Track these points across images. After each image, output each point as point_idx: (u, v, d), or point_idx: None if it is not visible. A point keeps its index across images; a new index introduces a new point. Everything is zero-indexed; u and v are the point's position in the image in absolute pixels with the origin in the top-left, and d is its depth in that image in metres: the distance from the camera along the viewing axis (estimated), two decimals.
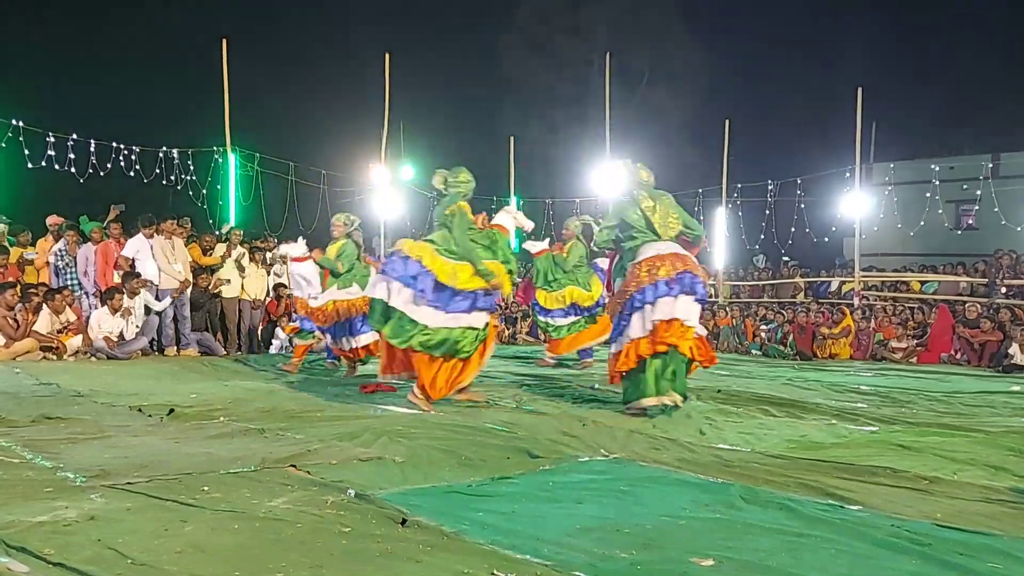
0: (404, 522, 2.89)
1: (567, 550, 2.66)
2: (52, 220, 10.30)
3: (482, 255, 5.78)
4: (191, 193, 13.97)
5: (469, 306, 5.67)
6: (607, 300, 6.79)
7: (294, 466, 3.77)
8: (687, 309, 5.48)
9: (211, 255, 10.83)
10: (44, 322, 8.76)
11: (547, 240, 9.93)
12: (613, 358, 5.76)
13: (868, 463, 4.19)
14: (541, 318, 9.50)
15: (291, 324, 9.41)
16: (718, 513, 3.18)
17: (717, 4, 30.33)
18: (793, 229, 18.00)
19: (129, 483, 3.34)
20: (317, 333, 8.24)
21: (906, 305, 13.88)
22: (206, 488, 3.29)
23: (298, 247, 8.16)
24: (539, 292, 9.34)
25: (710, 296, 17.31)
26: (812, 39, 30.79)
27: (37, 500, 3.06)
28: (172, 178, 13.69)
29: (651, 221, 5.74)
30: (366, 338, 7.66)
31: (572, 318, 9.22)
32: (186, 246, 10.45)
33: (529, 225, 6.99)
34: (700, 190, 19.20)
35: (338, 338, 7.87)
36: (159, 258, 9.93)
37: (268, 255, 11.61)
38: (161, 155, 13.48)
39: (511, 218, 6.44)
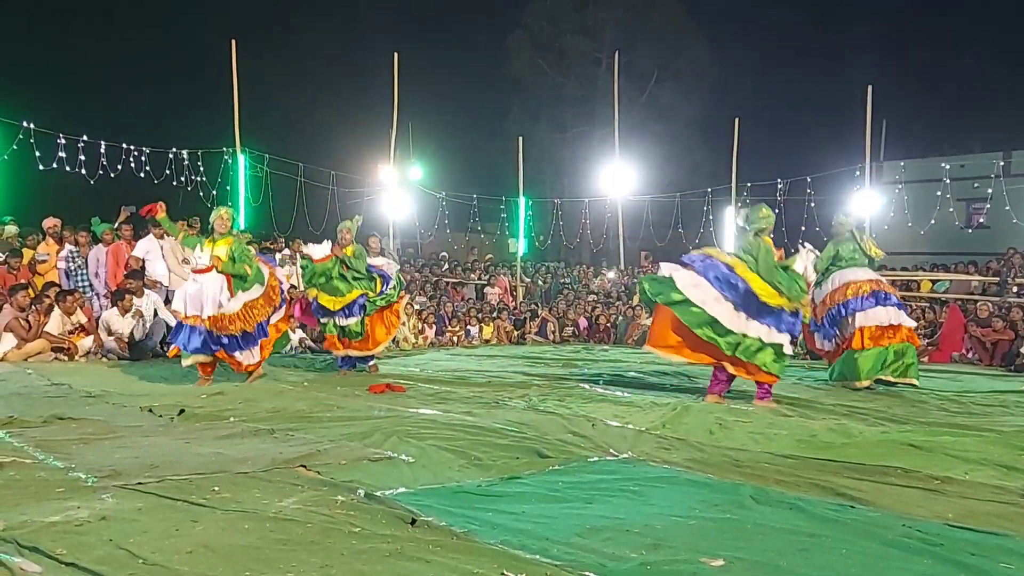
0: (414, 522, 2.89)
1: (577, 550, 2.66)
2: (50, 222, 10.30)
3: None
4: (201, 194, 14.04)
5: (775, 322, 6.36)
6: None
7: (304, 466, 3.78)
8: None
9: None
10: (55, 323, 8.81)
11: None
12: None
13: (879, 463, 4.18)
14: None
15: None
16: (728, 513, 3.17)
17: (725, 3, 30.29)
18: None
19: (140, 483, 3.35)
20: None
21: (917, 304, 13.81)
22: (217, 488, 3.30)
23: (321, 248, 8.19)
24: None
25: None
26: (822, 37, 30.76)
27: (49, 500, 3.08)
28: (182, 179, 13.77)
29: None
30: None
31: None
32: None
33: (812, 277, 7.38)
34: (709, 189, 19.18)
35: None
36: (169, 259, 9.98)
37: (277, 255, 11.64)
38: (171, 156, 13.55)
39: (802, 263, 6.87)
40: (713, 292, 6.31)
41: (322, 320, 8.29)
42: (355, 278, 8.08)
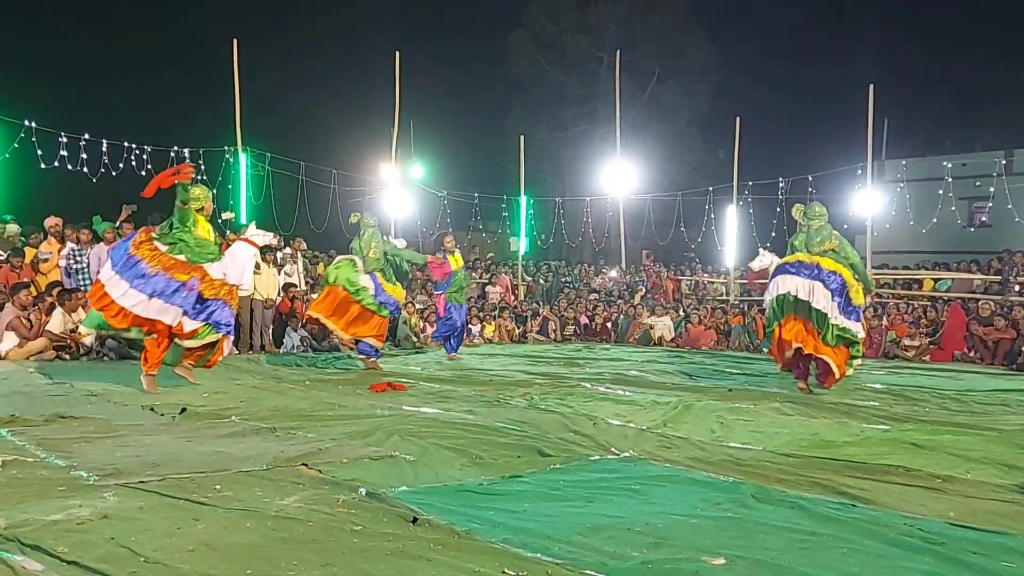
0: (415, 521, 2.89)
1: (578, 549, 2.66)
2: (51, 221, 10.32)
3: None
4: None
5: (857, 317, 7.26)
6: None
7: (306, 465, 3.78)
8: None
9: None
10: (57, 322, 8.82)
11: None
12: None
13: (881, 462, 4.18)
14: None
15: None
16: (730, 512, 3.17)
17: (727, 2, 30.27)
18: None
19: (142, 482, 3.36)
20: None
21: (919, 303, 13.80)
22: (218, 487, 3.31)
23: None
24: None
25: (721, 294, 17.33)
26: (823, 36, 30.72)
27: (51, 499, 3.08)
28: None
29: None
30: None
31: None
32: None
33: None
34: (711, 188, 19.15)
35: None
36: None
37: (279, 255, 11.65)
38: (172, 155, 13.53)
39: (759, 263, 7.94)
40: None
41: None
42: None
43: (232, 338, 7.09)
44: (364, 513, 2.99)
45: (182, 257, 6.38)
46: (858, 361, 7.58)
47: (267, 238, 7.45)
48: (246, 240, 6.99)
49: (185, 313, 6.34)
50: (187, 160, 13.49)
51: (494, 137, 27.02)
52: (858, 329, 7.26)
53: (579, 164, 26.15)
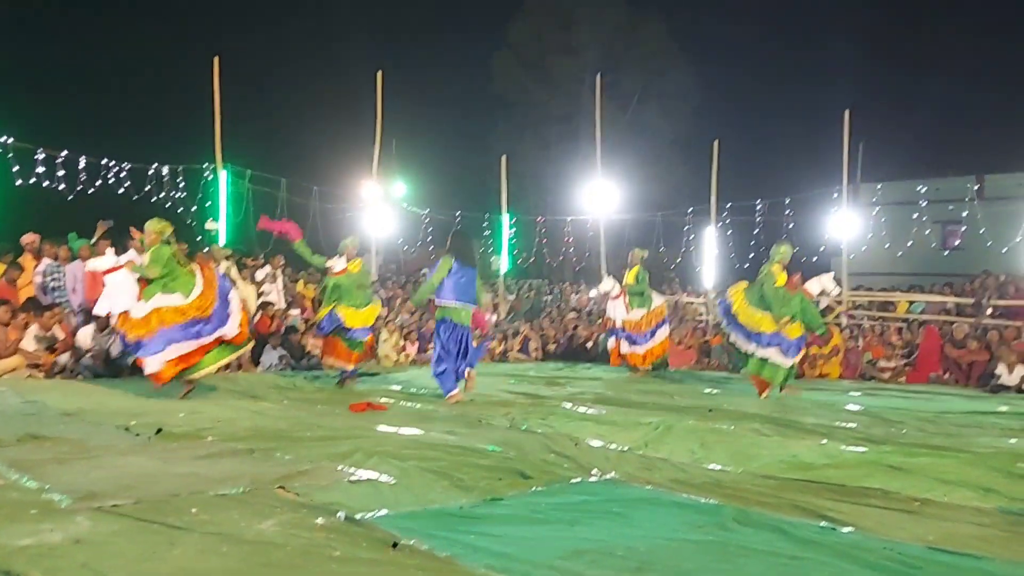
0: (395, 545, 2.86)
1: (560, 574, 2.65)
2: (28, 238, 10.19)
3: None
4: (180, 211, 13.94)
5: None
6: None
7: (283, 487, 3.73)
8: None
9: None
10: (31, 339, 8.68)
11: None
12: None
13: (859, 484, 4.20)
14: None
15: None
16: (711, 535, 3.17)
17: (707, 26, 30.72)
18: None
19: (116, 505, 3.30)
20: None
21: (894, 325, 13.95)
22: (194, 510, 3.25)
23: (341, 262, 8.72)
24: None
25: (700, 314, 17.43)
26: (801, 61, 31.23)
27: (22, 522, 3.02)
28: (162, 195, 13.66)
29: None
30: None
31: None
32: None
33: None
34: (690, 209, 19.33)
35: None
36: None
37: (257, 273, 11.57)
38: (151, 172, 13.45)
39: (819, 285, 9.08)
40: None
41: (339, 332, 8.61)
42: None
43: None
44: (343, 538, 2.95)
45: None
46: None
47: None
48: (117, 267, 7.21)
49: None
50: (165, 177, 13.41)
51: (477, 155, 27.13)
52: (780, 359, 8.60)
53: (561, 183, 26.29)
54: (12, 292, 9.53)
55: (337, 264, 8.71)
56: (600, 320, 15.93)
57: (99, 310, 7.28)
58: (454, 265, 7.60)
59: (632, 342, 10.97)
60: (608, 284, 9.11)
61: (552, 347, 14.74)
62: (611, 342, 11.12)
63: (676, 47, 28.28)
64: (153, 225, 7.31)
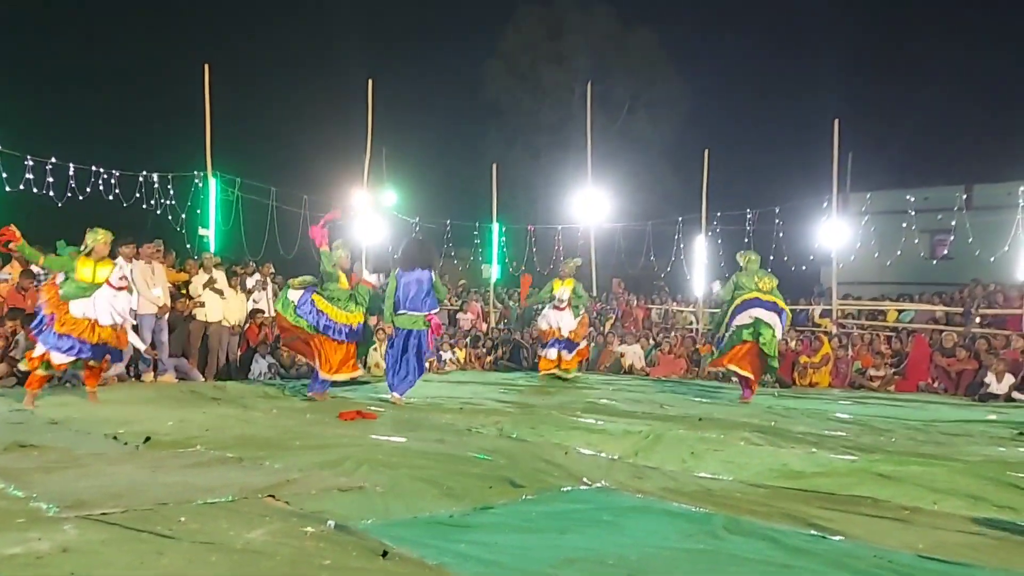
0: (385, 554, 2.85)
1: None
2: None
3: None
4: (170, 218, 13.88)
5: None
6: None
7: (272, 496, 3.71)
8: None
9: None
10: (20, 348, 8.61)
11: None
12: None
13: (849, 492, 4.21)
14: None
15: None
16: (702, 544, 3.17)
17: (697, 36, 30.95)
18: (772, 258, 18.16)
19: (104, 513, 3.27)
20: None
21: (883, 334, 14.02)
22: (183, 519, 3.23)
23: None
24: None
25: (690, 323, 17.48)
26: (790, 71, 31.44)
27: (9, 531, 2.99)
28: (152, 203, 13.60)
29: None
30: None
31: None
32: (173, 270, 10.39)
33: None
34: (680, 218, 19.36)
35: None
36: (139, 283, 9.77)
37: (247, 281, 11.52)
38: (141, 179, 13.39)
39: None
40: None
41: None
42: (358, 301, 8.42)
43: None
44: (332, 546, 2.94)
45: None
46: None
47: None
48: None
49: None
50: (155, 184, 13.36)
51: (467, 164, 27.18)
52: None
53: (551, 191, 26.35)
54: (22, 300, 9.47)
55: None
56: (597, 329, 15.97)
57: (104, 320, 7.27)
58: (398, 276, 8.12)
59: (570, 350, 11.16)
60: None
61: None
62: (552, 352, 11.12)
63: (666, 57, 28.50)
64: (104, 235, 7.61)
